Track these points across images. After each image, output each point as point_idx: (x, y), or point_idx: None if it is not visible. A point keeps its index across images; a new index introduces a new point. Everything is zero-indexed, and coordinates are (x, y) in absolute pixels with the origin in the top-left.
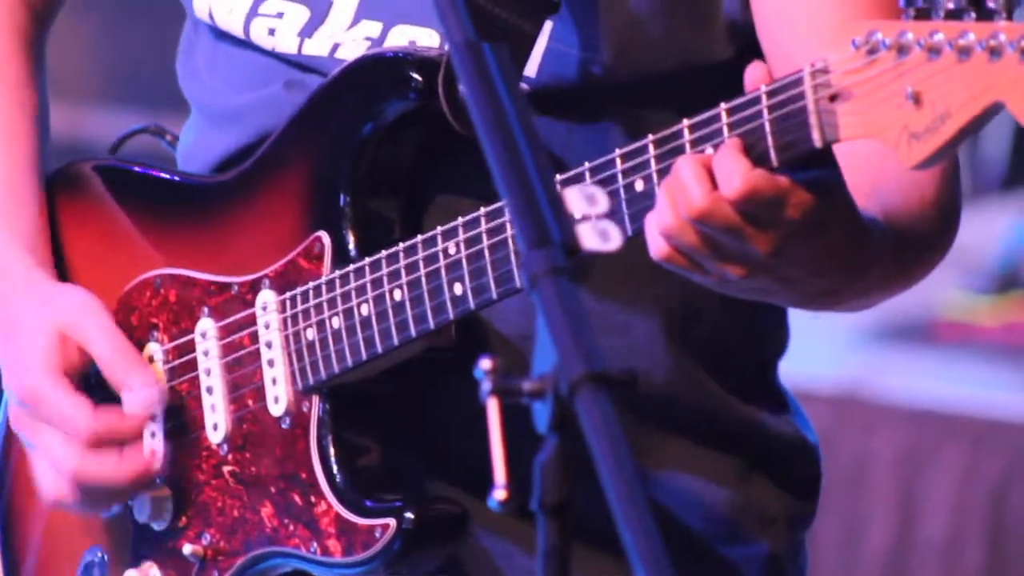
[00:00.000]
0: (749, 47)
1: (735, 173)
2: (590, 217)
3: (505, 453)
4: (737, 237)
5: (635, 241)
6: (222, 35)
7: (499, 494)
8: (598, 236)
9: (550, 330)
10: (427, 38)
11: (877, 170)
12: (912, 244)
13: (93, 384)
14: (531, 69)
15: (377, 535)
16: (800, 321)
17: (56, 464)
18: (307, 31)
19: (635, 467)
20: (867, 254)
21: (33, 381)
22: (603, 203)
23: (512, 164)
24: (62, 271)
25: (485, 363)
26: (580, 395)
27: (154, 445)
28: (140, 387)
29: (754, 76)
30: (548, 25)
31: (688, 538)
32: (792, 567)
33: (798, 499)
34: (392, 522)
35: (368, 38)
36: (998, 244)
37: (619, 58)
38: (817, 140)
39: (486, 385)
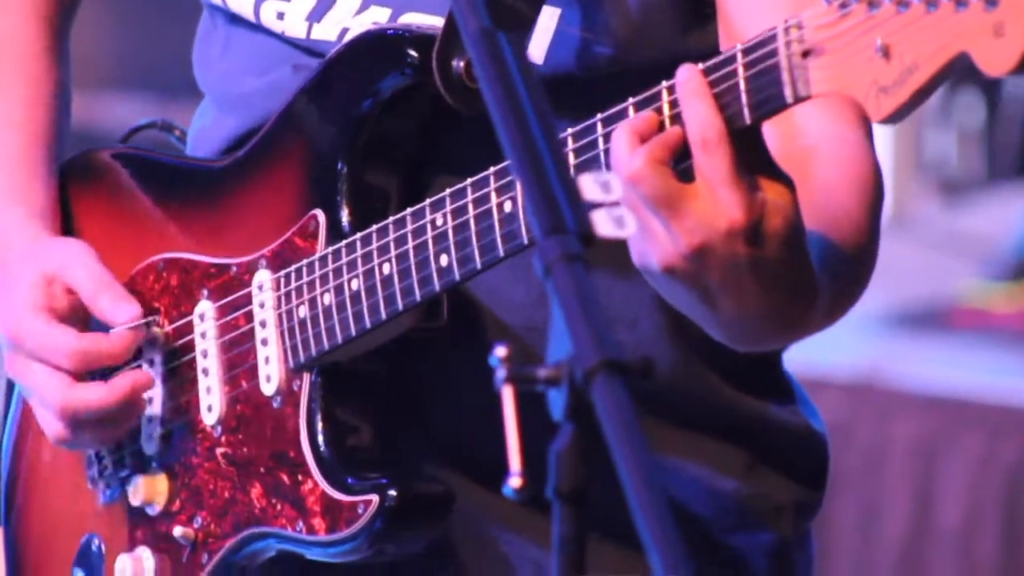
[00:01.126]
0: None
1: (636, 154)
2: (605, 204)
3: (520, 441)
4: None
5: None
6: (235, 20)
7: (514, 481)
8: (613, 223)
9: (565, 318)
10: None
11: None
12: (842, 271)
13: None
14: (538, 56)
15: (360, 511)
16: None
17: (44, 399)
18: (316, 16)
19: (650, 454)
20: (806, 280)
21: (17, 319)
22: (617, 190)
23: (527, 151)
24: None
25: (500, 351)
26: (595, 383)
27: (149, 448)
28: (120, 307)
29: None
30: (557, 12)
31: (695, 528)
32: (800, 555)
33: (806, 488)
34: (375, 499)
35: (376, 24)
36: (1013, 231)
37: (624, 48)
38: (789, 96)
39: (501, 373)
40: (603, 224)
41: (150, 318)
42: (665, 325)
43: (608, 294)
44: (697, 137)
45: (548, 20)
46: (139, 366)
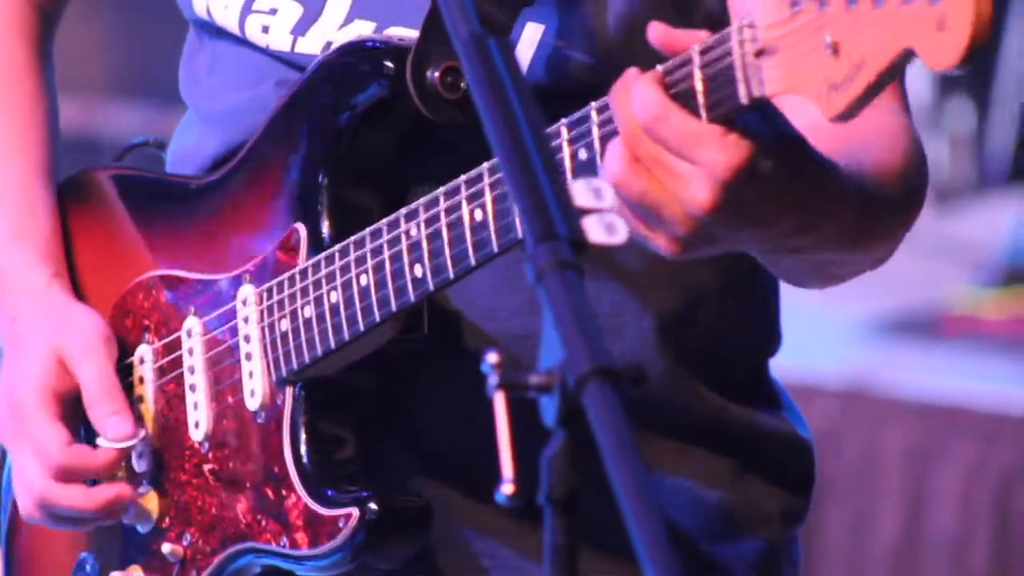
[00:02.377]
0: None
1: (649, 100)
2: (596, 210)
3: (512, 447)
4: (672, 174)
5: (631, 246)
6: (220, 34)
7: (507, 488)
8: (604, 229)
9: (557, 324)
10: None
11: (847, 127)
12: (878, 204)
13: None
14: (522, 67)
15: (340, 525)
16: (807, 316)
17: (25, 484)
18: (300, 29)
19: (642, 461)
20: (825, 200)
21: (21, 396)
22: (609, 197)
23: (518, 158)
24: (70, 279)
25: (492, 357)
26: (587, 389)
27: (140, 466)
28: (114, 425)
29: (690, 37)
30: (539, 27)
31: (681, 536)
32: (787, 561)
33: (792, 495)
34: (355, 512)
35: (357, 36)
36: (1003, 238)
37: (606, 61)
38: (743, 96)
39: (493, 379)
40: (595, 230)
41: (141, 434)
42: (651, 334)
43: (594, 303)
44: (647, 115)
45: (532, 33)
46: (131, 382)
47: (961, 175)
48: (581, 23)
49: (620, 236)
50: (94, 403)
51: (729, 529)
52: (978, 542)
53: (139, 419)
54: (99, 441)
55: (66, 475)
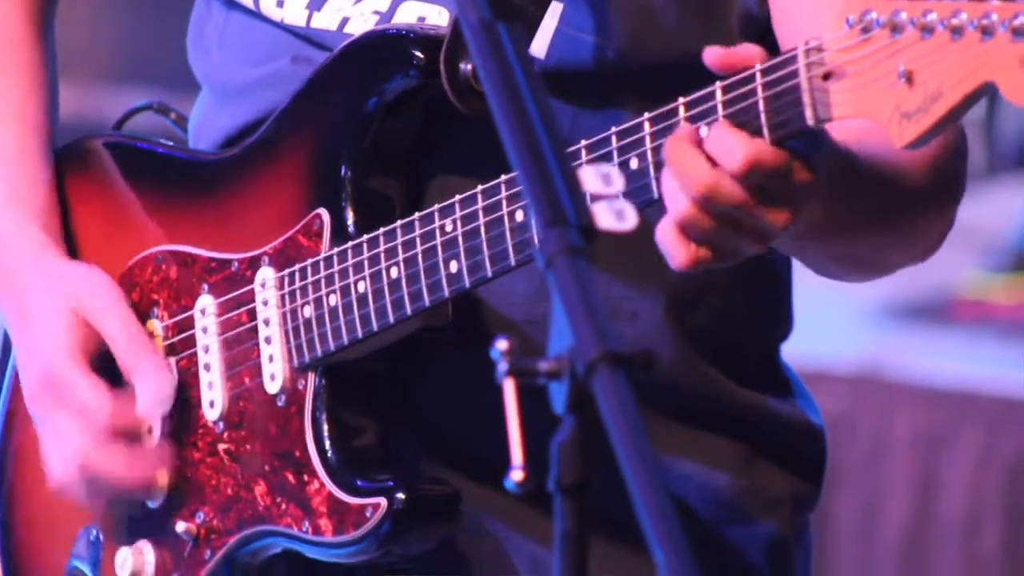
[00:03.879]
0: (764, 41)
1: (736, 147)
2: (605, 196)
3: (522, 434)
4: (750, 213)
5: (642, 228)
6: (232, 6)
7: (516, 475)
8: (614, 215)
9: (566, 310)
10: (436, 15)
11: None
12: (900, 192)
13: (102, 364)
14: (540, 51)
15: (368, 514)
16: (818, 301)
17: (67, 451)
18: (316, 3)
19: (652, 447)
20: (853, 189)
21: (52, 365)
22: (618, 183)
23: (527, 144)
24: (68, 248)
25: (501, 344)
26: (597, 375)
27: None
28: (153, 376)
29: (748, 54)
30: (559, 8)
31: (692, 520)
32: (798, 547)
33: (804, 481)
34: (383, 501)
35: (376, 12)
36: (1014, 222)
37: (629, 46)
38: (810, 119)
39: (502, 366)
40: (604, 217)
41: (176, 381)
42: (665, 318)
43: (607, 288)
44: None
45: (550, 17)
46: None
47: (972, 160)
48: (601, 7)
49: (629, 222)
50: (126, 353)
51: (740, 514)
52: (988, 526)
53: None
54: (138, 389)
55: (113, 436)
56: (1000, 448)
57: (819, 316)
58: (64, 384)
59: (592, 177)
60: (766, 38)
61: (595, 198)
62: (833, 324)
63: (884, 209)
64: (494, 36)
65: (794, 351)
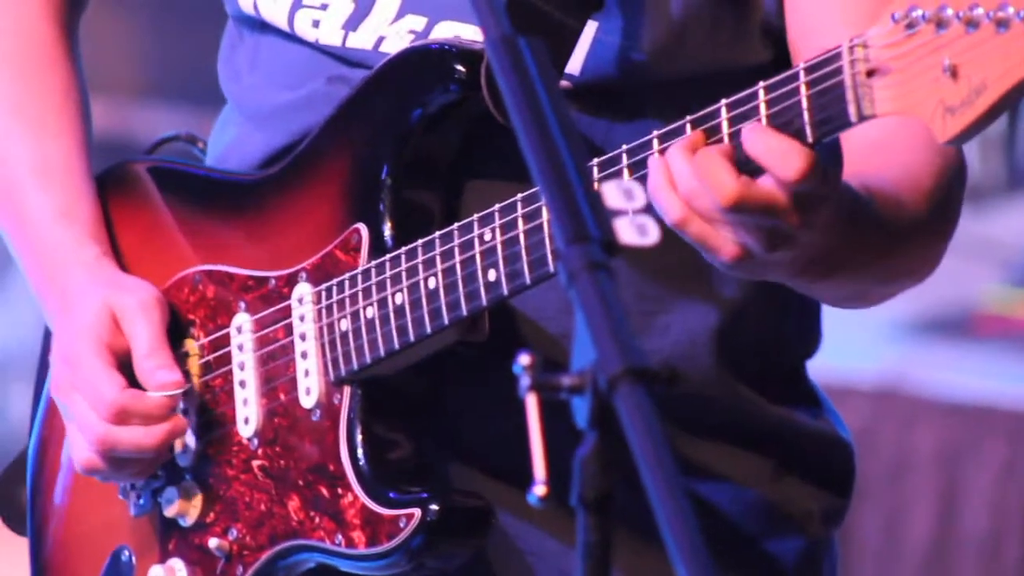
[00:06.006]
0: (784, 51)
1: (790, 154)
2: (627, 212)
3: (544, 449)
4: (781, 218)
5: (680, 241)
6: (265, 29)
7: (539, 490)
8: (636, 231)
9: (588, 325)
10: (472, 34)
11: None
12: (901, 221)
13: (129, 373)
14: (575, 66)
15: (401, 525)
16: (840, 316)
17: (83, 429)
18: (351, 24)
19: (675, 462)
20: (856, 224)
21: (75, 346)
22: (640, 197)
23: (549, 159)
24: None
25: (524, 359)
26: (619, 391)
27: (183, 461)
28: (160, 381)
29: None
30: (593, 23)
31: (721, 535)
32: (826, 561)
33: (832, 495)
34: (416, 512)
35: (413, 31)
36: None
37: (660, 59)
38: (853, 115)
39: (525, 381)
40: (626, 232)
41: (187, 385)
42: (696, 332)
43: (639, 301)
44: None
45: (586, 29)
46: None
47: (992, 175)
48: (637, 19)
49: (652, 238)
50: (143, 356)
51: (770, 528)
52: (1010, 541)
53: (184, 412)
54: (148, 393)
55: (123, 416)
56: (1022, 463)
57: (841, 331)
58: (82, 367)
59: (614, 192)
60: (786, 50)
61: (617, 213)
62: (855, 339)
63: (885, 245)
64: (515, 52)
65: (816, 366)
